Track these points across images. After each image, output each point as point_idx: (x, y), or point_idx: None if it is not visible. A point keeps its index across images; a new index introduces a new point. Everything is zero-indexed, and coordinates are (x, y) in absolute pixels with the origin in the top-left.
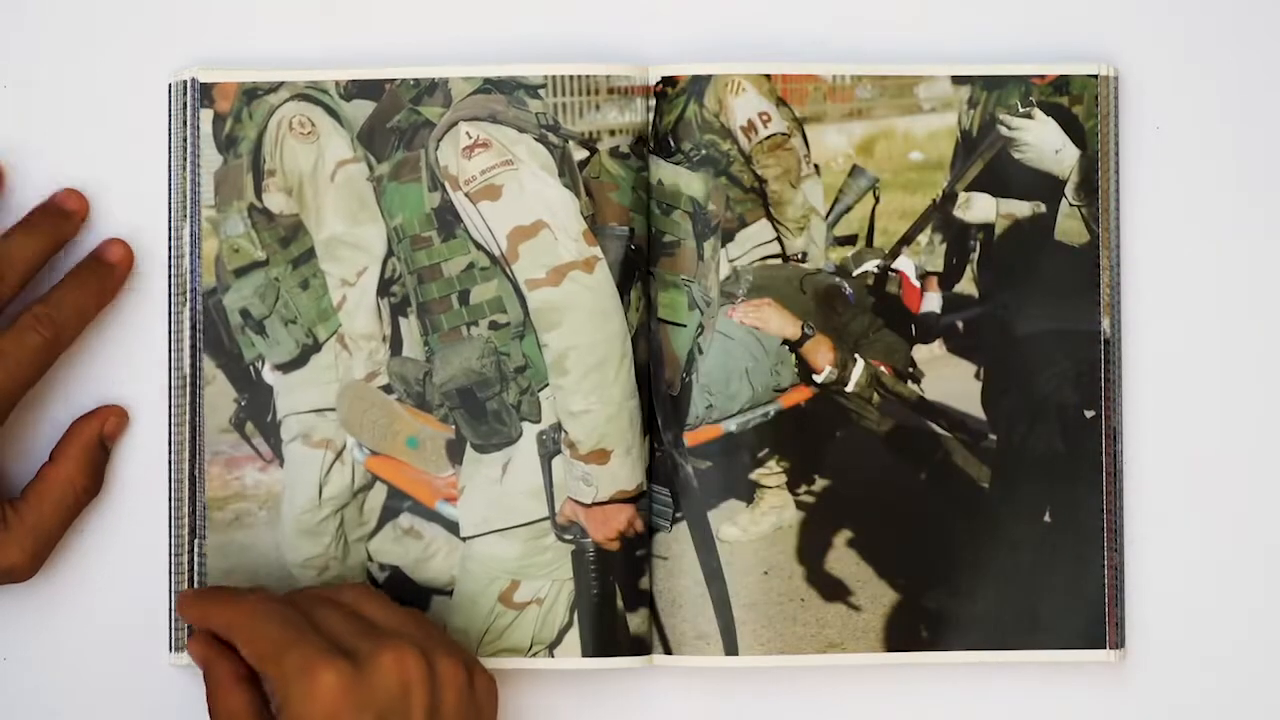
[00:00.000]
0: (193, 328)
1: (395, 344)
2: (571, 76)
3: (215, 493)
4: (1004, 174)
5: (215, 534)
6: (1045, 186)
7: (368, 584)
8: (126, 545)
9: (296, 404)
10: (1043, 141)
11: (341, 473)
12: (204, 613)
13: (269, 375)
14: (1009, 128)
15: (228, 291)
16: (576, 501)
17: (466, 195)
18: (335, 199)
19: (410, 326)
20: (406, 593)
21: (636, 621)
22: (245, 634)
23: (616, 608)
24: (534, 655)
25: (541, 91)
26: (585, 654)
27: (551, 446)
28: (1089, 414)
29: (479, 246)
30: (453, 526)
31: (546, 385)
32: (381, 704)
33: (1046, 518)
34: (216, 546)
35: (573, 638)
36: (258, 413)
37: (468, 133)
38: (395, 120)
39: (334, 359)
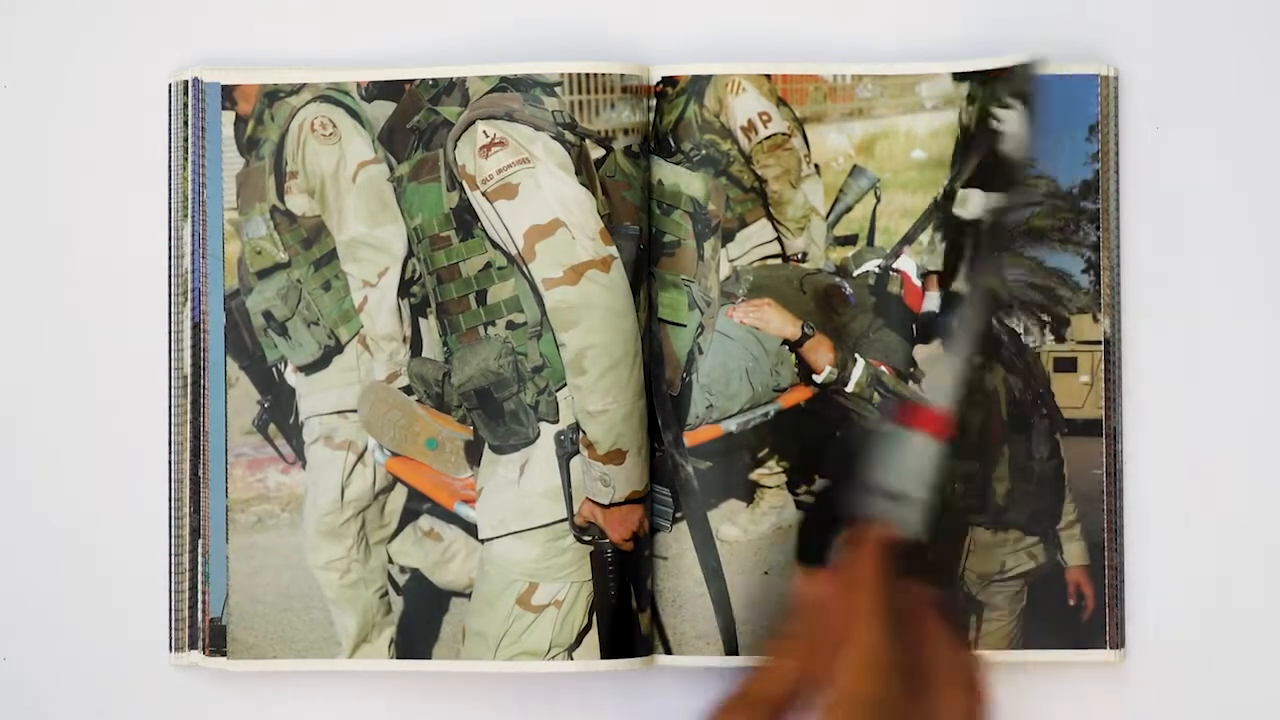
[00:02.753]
0: (194, 327)
1: (415, 345)
2: (587, 75)
3: (238, 495)
4: (996, 167)
5: (237, 536)
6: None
7: None
8: (127, 545)
9: (318, 405)
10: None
11: (363, 474)
12: None
13: (291, 377)
14: (998, 120)
15: (250, 294)
16: (595, 502)
17: (483, 194)
18: (357, 200)
19: (430, 327)
20: (426, 596)
21: (644, 622)
22: None
23: (632, 608)
24: (552, 658)
25: (558, 89)
26: (604, 656)
27: (569, 447)
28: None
29: (496, 246)
30: (471, 528)
31: (564, 385)
32: None
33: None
34: (239, 549)
35: (592, 640)
36: (280, 414)
37: (485, 131)
38: (415, 120)
39: (356, 360)
